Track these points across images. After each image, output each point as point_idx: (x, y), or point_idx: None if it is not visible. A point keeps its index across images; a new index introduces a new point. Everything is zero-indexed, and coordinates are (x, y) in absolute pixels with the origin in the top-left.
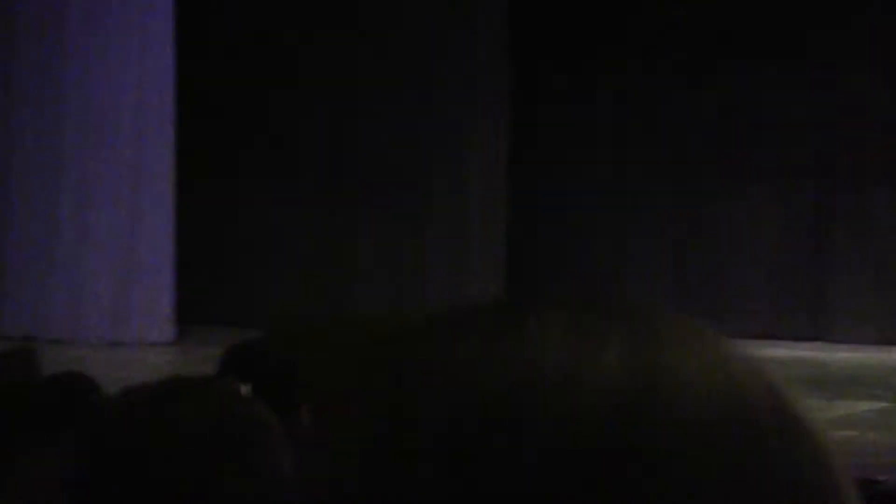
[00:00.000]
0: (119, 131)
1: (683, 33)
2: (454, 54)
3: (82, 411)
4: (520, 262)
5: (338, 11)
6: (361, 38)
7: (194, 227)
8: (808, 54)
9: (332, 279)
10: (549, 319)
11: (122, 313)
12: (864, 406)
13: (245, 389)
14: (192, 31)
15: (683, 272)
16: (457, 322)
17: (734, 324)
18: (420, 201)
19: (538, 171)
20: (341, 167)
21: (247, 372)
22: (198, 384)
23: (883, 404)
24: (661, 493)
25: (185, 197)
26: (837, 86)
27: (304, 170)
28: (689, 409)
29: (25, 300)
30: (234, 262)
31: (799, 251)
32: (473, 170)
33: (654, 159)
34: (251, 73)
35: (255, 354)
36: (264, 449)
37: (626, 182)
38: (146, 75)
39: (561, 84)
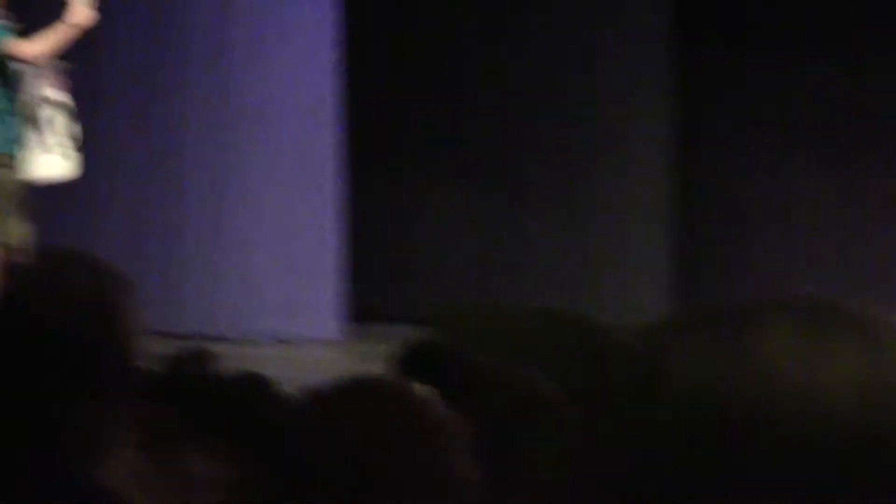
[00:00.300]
0: (285, 127)
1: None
2: (615, 52)
3: (261, 412)
4: (684, 260)
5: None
6: (522, 36)
7: (360, 223)
8: None
9: (496, 276)
10: (782, 320)
11: (290, 310)
12: None
13: (425, 389)
14: (357, 26)
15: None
16: (698, 322)
17: None
18: (583, 198)
19: (704, 170)
20: (506, 164)
21: (425, 371)
22: (378, 384)
23: None
24: None
25: (351, 193)
26: None
27: (469, 166)
28: None
29: (195, 299)
30: (399, 258)
31: None
32: (637, 168)
33: (821, 159)
34: (418, 72)
35: (432, 352)
36: (448, 449)
37: (791, 181)
38: (312, 71)
39: (725, 80)
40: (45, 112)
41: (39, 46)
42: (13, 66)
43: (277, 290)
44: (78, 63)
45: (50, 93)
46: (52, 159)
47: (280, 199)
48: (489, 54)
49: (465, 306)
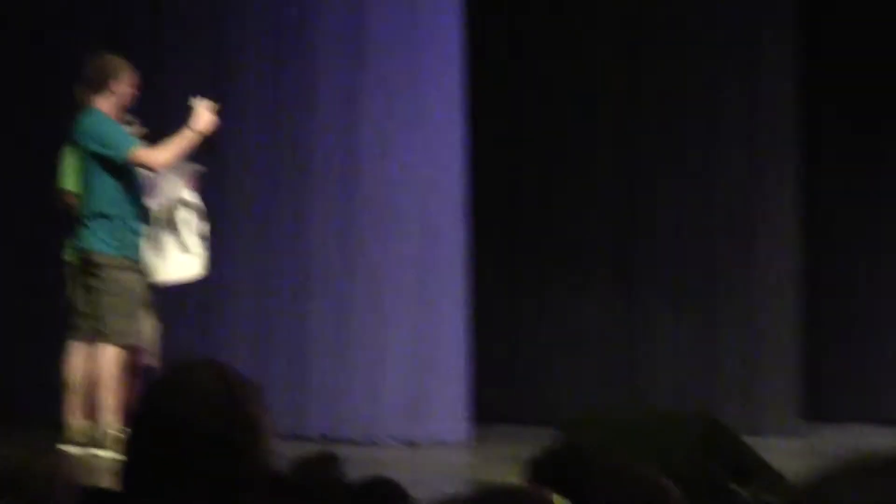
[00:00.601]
0: (412, 239)
1: None
2: (739, 134)
3: None
4: (816, 360)
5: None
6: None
7: (484, 325)
8: None
9: (626, 376)
10: None
11: (417, 412)
12: None
13: (558, 499)
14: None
15: None
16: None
17: None
18: (708, 292)
19: (830, 244)
20: (629, 260)
21: (557, 477)
22: (514, 494)
23: None
24: None
25: (476, 296)
26: None
27: (592, 265)
28: None
29: (321, 401)
30: (526, 358)
31: None
32: (763, 257)
33: None
34: (538, 170)
35: (564, 460)
36: None
37: None
38: (441, 176)
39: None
40: (182, 214)
41: (166, 155)
42: (140, 172)
43: (404, 392)
44: (207, 166)
45: (186, 195)
46: (187, 260)
47: (407, 303)
48: (610, 149)
49: (594, 411)
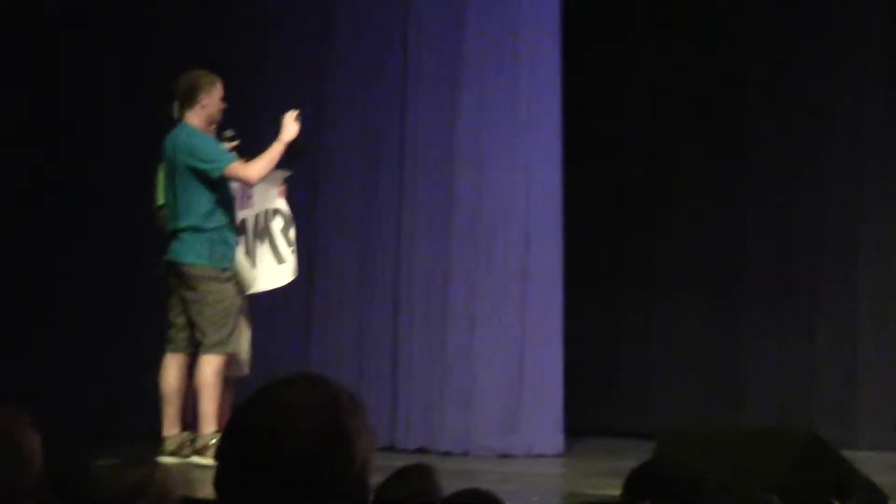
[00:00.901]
0: (508, 242)
1: None
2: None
3: None
4: None
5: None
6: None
7: (579, 338)
8: None
9: (720, 390)
10: None
11: (511, 424)
12: None
13: None
14: (577, 141)
15: None
16: None
17: None
18: (808, 307)
19: None
20: (725, 277)
21: (653, 493)
22: None
23: None
24: None
25: (570, 309)
26: None
27: (687, 281)
28: None
29: (419, 414)
30: (626, 373)
31: None
32: (863, 276)
33: None
34: (631, 192)
35: (663, 474)
36: None
37: None
38: (535, 187)
39: None
40: (275, 223)
41: (259, 169)
42: (231, 184)
43: (499, 405)
44: (295, 171)
45: (280, 205)
46: (280, 268)
47: (502, 315)
48: (718, 165)
49: (690, 426)
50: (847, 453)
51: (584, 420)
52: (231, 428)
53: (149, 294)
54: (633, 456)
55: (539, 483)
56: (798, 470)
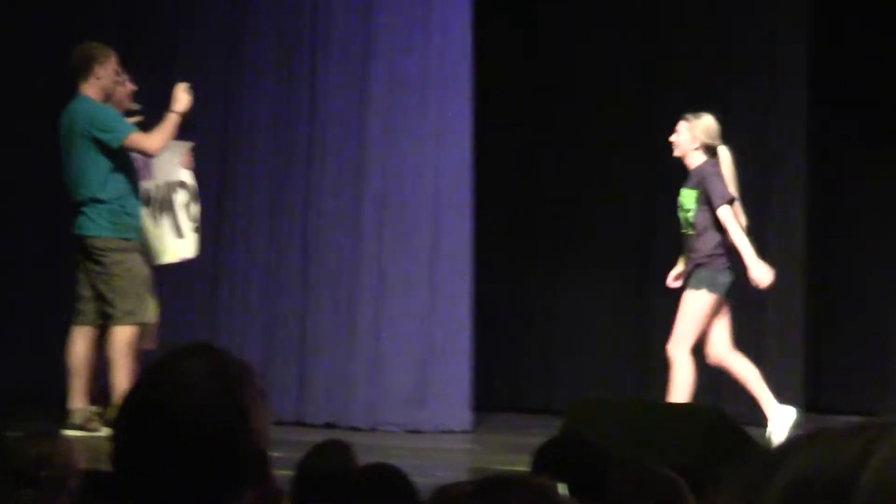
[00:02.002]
0: (418, 215)
1: None
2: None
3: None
4: (819, 348)
5: None
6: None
7: (487, 311)
8: None
9: (628, 367)
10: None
11: (420, 400)
12: None
13: (562, 487)
14: (490, 110)
15: None
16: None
17: None
18: None
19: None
20: (636, 247)
21: (561, 468)
22: (518, 483)
23: None
24: None
25: (482, 277)
26: None
27: (594, 251)
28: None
29: (326, 389)
30: (533, 349)
31: None
32: (772, 253)
33: None
34: (547, 160)
35: (569, 449)
36: None
37: None
38: (446, 157)
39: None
40: (179, 196)
41: (158, 139)
42: (134, 156)
43: (407, 380)
44: (199, 143)
45: (184, 176)
46: (181, 243)
47: (411, 289)
48: (628, 147)
49: (597, 400)
50: (752, 430)
51: (492, 396)
52: (126, 403)
53: (57, 267)
54: (541, 432)
55: (446, 458)
56: (704, 445)
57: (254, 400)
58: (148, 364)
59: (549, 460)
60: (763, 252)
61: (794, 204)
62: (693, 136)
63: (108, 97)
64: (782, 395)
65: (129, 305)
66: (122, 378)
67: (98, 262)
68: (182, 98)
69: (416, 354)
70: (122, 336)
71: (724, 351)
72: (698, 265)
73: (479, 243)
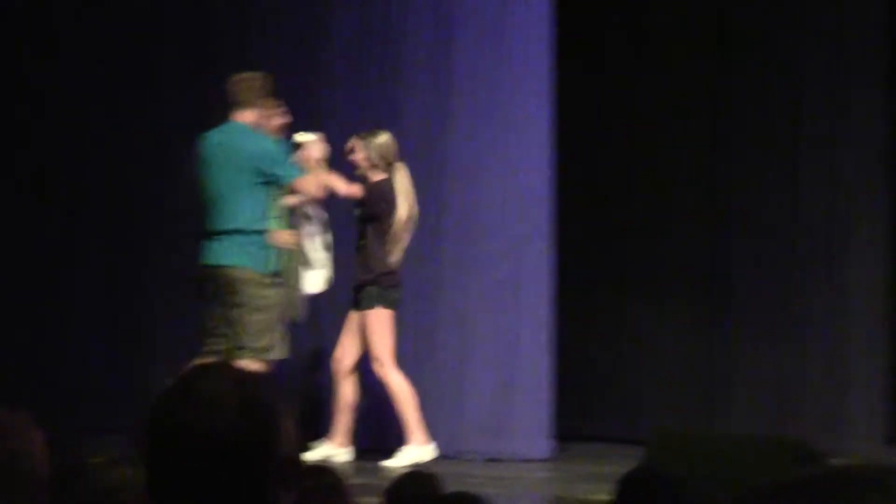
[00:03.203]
0: (500, 249)
1: None
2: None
3: None
4: None
5: None
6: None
7: (569, 343)
8: None
9: (708, 397)
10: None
11: (500, 428)
12: None
13: None
14: (567, 149)
15: None
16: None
17: None
18: (795, 316)
19: None
20: (714, 284)
21: (643, 499)
22: None
23: None
24: None
25: (562, 308)
26: None
27: (677, 287)
28: None
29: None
30: (606, 379)
31: None
32: (851, 284)
33: None
34: (621, 199)
35: (651, 481)
36: None
37: None
38: (526, 192)
39: None
40: (307, 229)
41: (322, 189)
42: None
43: (489, 409)
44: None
45: (310, 209)
46: (312, 275)
47: (493, 320)
48: (688, 176)
49: (680, 433)
50: (838, 463)
51: (573, 425)
52: (150, 429)
53: (147, 295)
54: (622, 462)
55: (527, 487)
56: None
57: (274, 410)
58: (164, 389)
59: (632, 491)
60: (840, 283)
61: (875, 231)
62: (368, 155)
63: (258, 128)
64: (867, 427)
65: (263, 342)
66: None
67: (235, 294)
68: (346, 187)
69: (498, 382)
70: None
71: (349, 367)
72: (367, 283)
73: (563, 271)
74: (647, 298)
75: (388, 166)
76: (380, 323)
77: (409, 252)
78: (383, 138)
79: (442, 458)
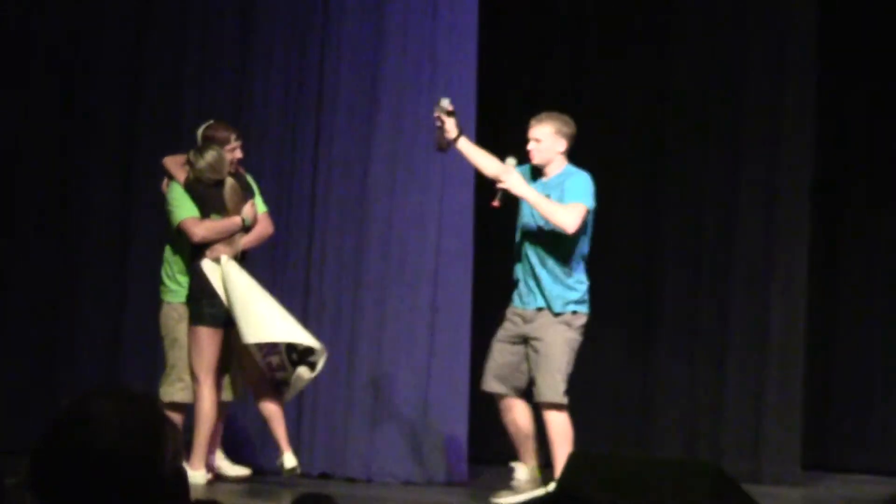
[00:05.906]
0: (421, 274)
1: None
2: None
3: None
4: (818, 402)
5: None
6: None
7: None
8: None
9: (628, 419)
10: None
11: (415, 452)
12: None
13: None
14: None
15: None
16: None
17: None
18: (717, 338)
19: (838, 310)
20: (638, 300)
21: None
22: None
23: None
24: None
25: (482, 331)
26: None
27: (600, 300)
28: None
29: (324, 439)
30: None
31: None
32: (774, 313)
33: None
34: None
35: (564, 502)
36: None
37: None
38: (449, 214)
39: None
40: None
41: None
42: None
43: (404, 432)
44: None
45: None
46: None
47: (411, 343)
48: (616, 196)
49: (595, 454)
50: (750, 487)
51: (488, 449)
52: (41, 450)
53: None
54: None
55: None
56: (703, 501)
57: (161, 427)
58: (56, 411)
59: None
60: (763, 309)
61: (797, 259)
62: (197, 169)
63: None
64: (783, 453)
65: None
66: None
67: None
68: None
69: (413, 405)
70: None
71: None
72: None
73: (478, 293)
74: None
75: (220, 181)
76: (196, 341)
77: (328, 270)
78: (211, 155)
79: (357, 480)
